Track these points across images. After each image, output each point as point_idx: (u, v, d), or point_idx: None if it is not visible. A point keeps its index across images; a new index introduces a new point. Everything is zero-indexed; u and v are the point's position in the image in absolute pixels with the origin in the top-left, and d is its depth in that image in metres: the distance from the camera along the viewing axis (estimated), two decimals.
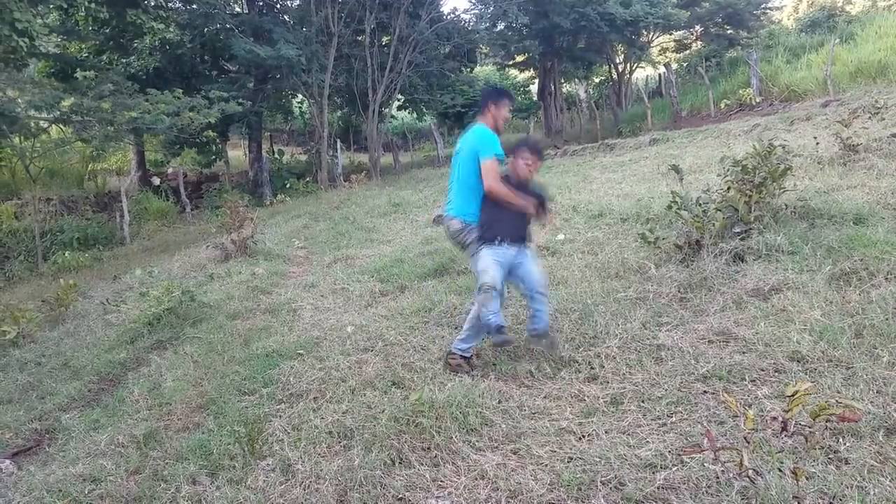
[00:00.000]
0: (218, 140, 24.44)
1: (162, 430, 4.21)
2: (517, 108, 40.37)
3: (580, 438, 3.30)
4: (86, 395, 5.35)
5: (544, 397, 3.81)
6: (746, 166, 5.59)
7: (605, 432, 3.29)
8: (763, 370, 3.55)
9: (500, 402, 3.78)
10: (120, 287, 9.39)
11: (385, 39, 23.15)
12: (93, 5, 19.10)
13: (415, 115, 31.63)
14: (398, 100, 26.33)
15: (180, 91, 15.35)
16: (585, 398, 3.69)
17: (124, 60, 21.14)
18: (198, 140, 22.93)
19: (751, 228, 5.43)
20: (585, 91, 35.79)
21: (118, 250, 14.76)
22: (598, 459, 3.04)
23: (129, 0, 18.65)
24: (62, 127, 15.90)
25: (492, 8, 24.86)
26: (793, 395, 2.38)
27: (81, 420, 4.72)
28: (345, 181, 19.15)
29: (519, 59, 30.95)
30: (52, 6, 16.12)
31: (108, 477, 3.65)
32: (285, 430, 3.81)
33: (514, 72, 38.06)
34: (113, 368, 5.82)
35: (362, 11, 20.90)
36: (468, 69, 28.30)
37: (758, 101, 19.21)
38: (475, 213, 4.42)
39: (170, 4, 20.96)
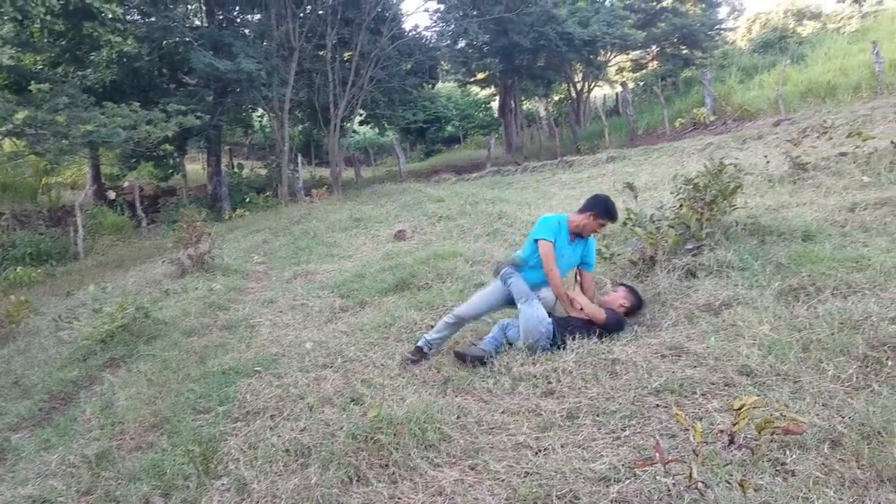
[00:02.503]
0: (175, 154, 24.10)
1: (114, 449, 4.13)
2: (479, 125, 40.84)
3: (537, 453, 3.33)
4: (36, 415, 5.22)
5: (502, 412, 3.84)
6: (698, 184, 5.74)
7: (561, 446, 3.33)
8: (714, 384, 3.63)
9: (458, 417, 3.80)
10: (73, 303, 9.18)
11: (347, 55, 23.17)
12: (48, 17, 18.71)
13: (376, 130, 31.64)
14: (360, 115, 26.32)
15: (137, 104, 15.13)
16: (542, 413, 3.73)
17: (80, 73, 20.77)
18: (155, 154, 22.59)
19: (702, 245, 5.55)
20: (545, 108, 36.34)
21: (71, 266, 14.44)
22: (553, 473, 3.07)
23: (85, 13, 18.32)
24: (15, 140, 15.53)
25: (453, 26, 25.13)
26: (740, 409, 2.45)
27: (32, 440, 4.61)
28: (306, 196, 19.05)
29: (480, 76, 31.27)
30: (6, 18, 15.78)
31: (59, 498, 3.57)
32: (241, 449, 3.76)
33: (475, 89, 38.39)
34: (65, 387, 5.69)
35: (323, 27, 20.91)
36: (430, 85, 28.46)
37: (712, 119, 19.69)
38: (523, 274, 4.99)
39: (128, 17, 20.67)
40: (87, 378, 5.83)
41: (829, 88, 17.62)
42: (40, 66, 21.16)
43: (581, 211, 5.03)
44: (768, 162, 8.92)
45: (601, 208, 4.95)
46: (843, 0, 37.09)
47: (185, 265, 9.47)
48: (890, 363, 3.40)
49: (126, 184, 24.01)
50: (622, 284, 5.17)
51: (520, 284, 4.84)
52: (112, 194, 22.59)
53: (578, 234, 5.04)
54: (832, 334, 3.80)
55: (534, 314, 4.65)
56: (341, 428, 3.73)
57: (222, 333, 6.45)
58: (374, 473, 3.31)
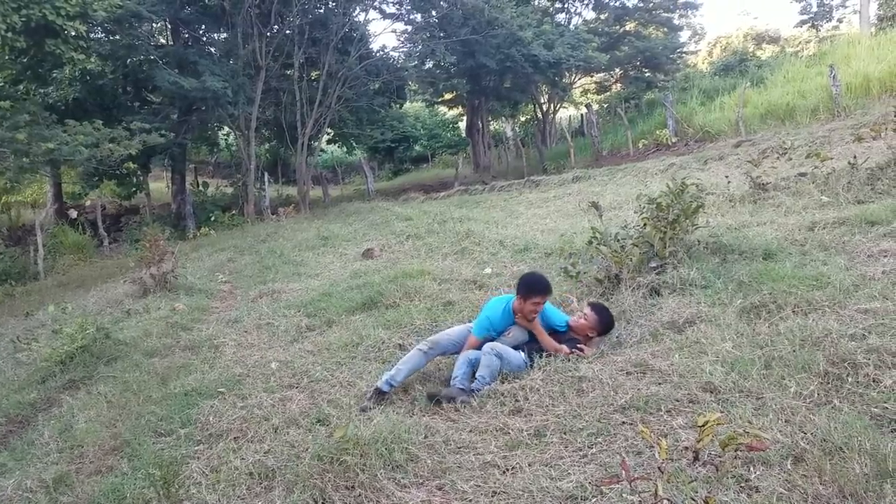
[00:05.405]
0: (139, 172, 23.79)
1: (73, 473, 4.01)
2: (447, 145, 41.04)
3: (504, 472, 3.31)
4: None
5: (470, 431, 3.82)
6: (661, 204, 5.82)
7: (529, 465, 3.32)
8: (678, 401, 3.66)
9: (426, 437, 3.77)
10: (32, 324, 8.94)
11: (314, 74, 23.16)
12: (9, 34, 18.45)
13: (345, 148, 31.61)
14: (328, 133, 26.28)
15: (100, 122, 14.93)
16: (510, 431, 3.72)
17: (42, 90, 20.40)
18: (118, 172, 22.27)
19: (666, 263, 5.62)
20: (512, 129, 36.72)
21: (31, 286, 14.09)
22: (521, 493, 3.06)
23: (48, 30, 18.05)
24: None
25: (420, 47, 25.27)
26: (704, 426, 2.47)
27: None
28: (272, 214, 18.91)
29: (447, 96, 31.48)
30: None
31: None
32: (203, 473, 3.68)
33: (443, 108, 38.65)
34: (22, 409, 5.52)
35: (291, 46, 20.91)
36: (398, 105, 28.59)
37: (674, 141, 20.01)
38: None
39: (91, 35, 20.40)
40: (46, 400, 5.67)
41: (788, 110, 17.99)
42: (1, 84, 20.78)
43: (517, 296, 4.80)
44: (729, 182, 9.08)
45: (521, 286, 4.78)
46: (801, 25, 38.30)
47: (147, 285, 9.29)
48: (850, 379, 3.45)
49: (88, 202, 23.61)
50: (592, 306, 4.94)
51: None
52: (74, 213, 22.19)
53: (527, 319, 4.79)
54: (793, 351, 3.85)
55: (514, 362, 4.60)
56: (307, 449, 3.68)
57: (185, 354, 6.33)
58: (340, 496, 3.26)
